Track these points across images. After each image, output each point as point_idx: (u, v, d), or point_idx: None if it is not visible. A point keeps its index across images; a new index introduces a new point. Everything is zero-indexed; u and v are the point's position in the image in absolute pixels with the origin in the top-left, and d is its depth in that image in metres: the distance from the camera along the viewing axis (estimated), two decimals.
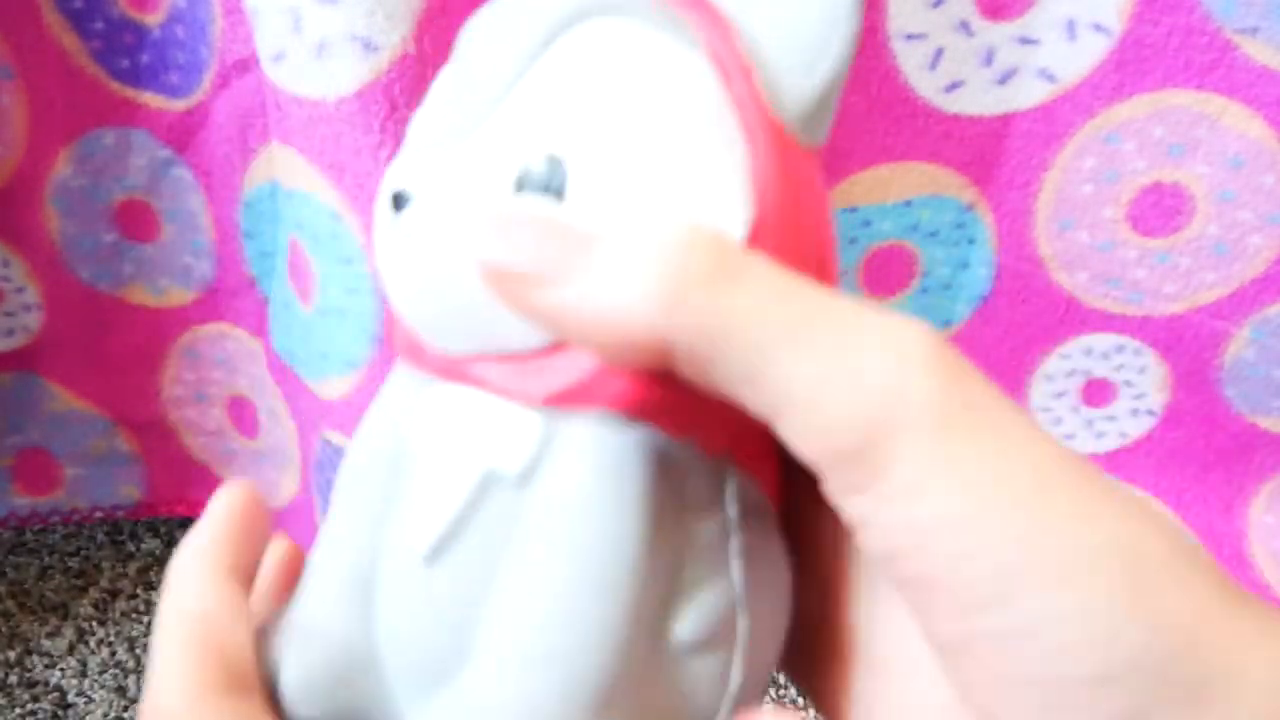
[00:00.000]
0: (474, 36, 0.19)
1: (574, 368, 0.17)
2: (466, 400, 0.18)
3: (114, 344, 0.49)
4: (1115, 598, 0.14)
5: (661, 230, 0.15)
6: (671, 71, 0.17)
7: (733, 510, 0.18)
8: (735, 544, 0.18)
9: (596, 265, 0.15)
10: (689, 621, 0.17)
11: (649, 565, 0.17)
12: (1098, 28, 0.41)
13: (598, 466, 0.17)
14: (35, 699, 0.45)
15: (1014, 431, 0.15)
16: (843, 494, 0.15)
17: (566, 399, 0.17)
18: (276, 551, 0.22)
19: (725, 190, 0.17)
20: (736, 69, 0.18)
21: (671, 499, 0.17)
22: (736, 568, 0.18)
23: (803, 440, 0.15)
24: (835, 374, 0.14)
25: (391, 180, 0.18)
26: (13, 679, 0.46)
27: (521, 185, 0.17)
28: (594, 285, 0.15)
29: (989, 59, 0.43)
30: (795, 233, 0.18)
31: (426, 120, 0.19)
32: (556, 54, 0.18)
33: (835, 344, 0.15)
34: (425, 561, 0.17)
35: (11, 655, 0.47)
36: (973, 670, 0.15)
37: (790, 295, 0.15)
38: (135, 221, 0.47)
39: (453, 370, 0.18)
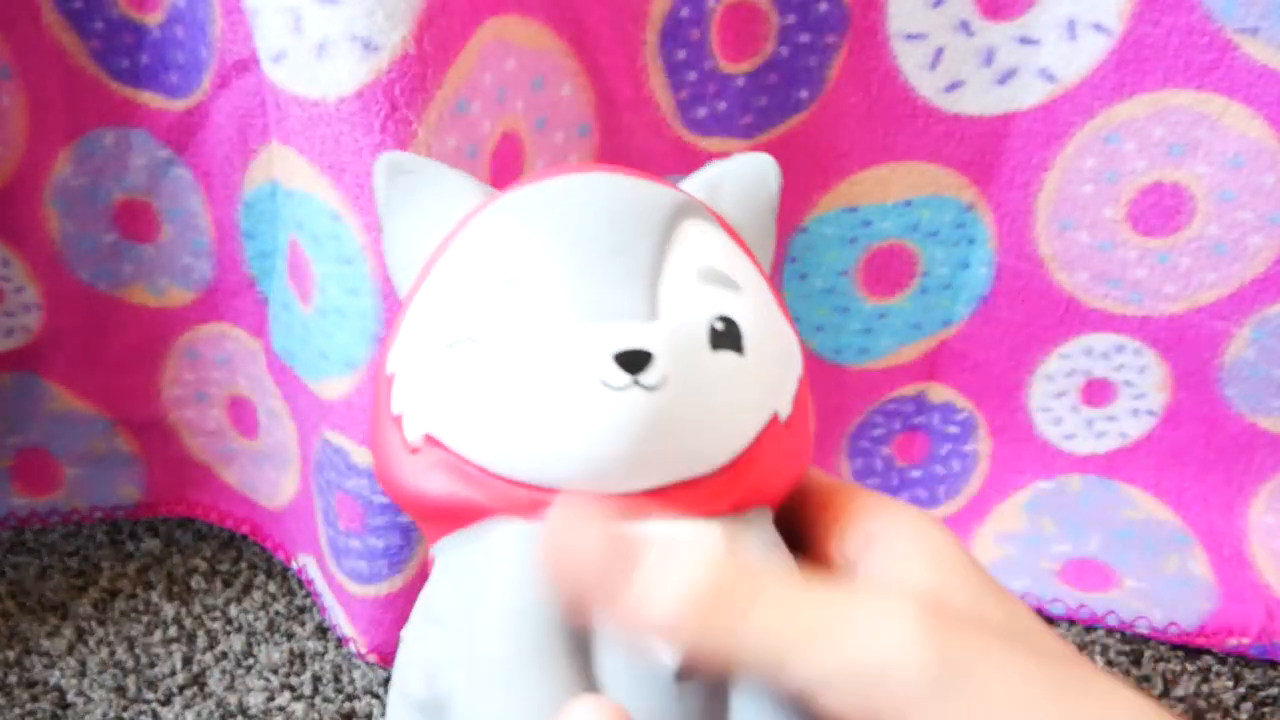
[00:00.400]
0: (583, 230, 0.22)
1: (745, 482, 0.21)
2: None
3: (114, 344, 0.49)
4: None
5: (687, 563, 0.19)
6: (744, 255, 0.23)
7: None
8: None
9: (638, 589, 0.19)
10: None
11: None
12: (1098, 28, 0.41)
13: (777, 548, 0.22)
14: (34, 698, 0.45)
15: (997, 672, 0.18)
16: None
17: (744, 505, 0.21)
18: None
19: (797, 347, 0.23)
20: (747, 250, 0.24)
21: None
22: None
23: (831, 710, 0.18)
24: (839, 667, 0.18)
25: (611, 343, 0.20)
26: (12, 679, 0.46)
27: (716, 344, 0.21)
28: (635, 604, 0.19)
29: (989, 59, 0.43)
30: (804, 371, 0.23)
31: (573, 290, 0.21)
32: (680, 240, 0.22)
33: (835, 642, 0.18)
34: (676, 677, 0.20)
35: (10, 655, 0.47)
36: None
37: (794, 606, 0.19)
38: (135, 221, 0.46)
39: (634, 508, 0.20)
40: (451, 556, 0.22)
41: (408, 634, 0.22)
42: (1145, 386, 0.49)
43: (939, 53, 0.43)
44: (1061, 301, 0.47)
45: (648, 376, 0.20)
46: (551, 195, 0.22)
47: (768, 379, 0.22)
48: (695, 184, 0.25)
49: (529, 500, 0.20)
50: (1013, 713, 0.17)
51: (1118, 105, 0.43)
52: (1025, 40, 0.42)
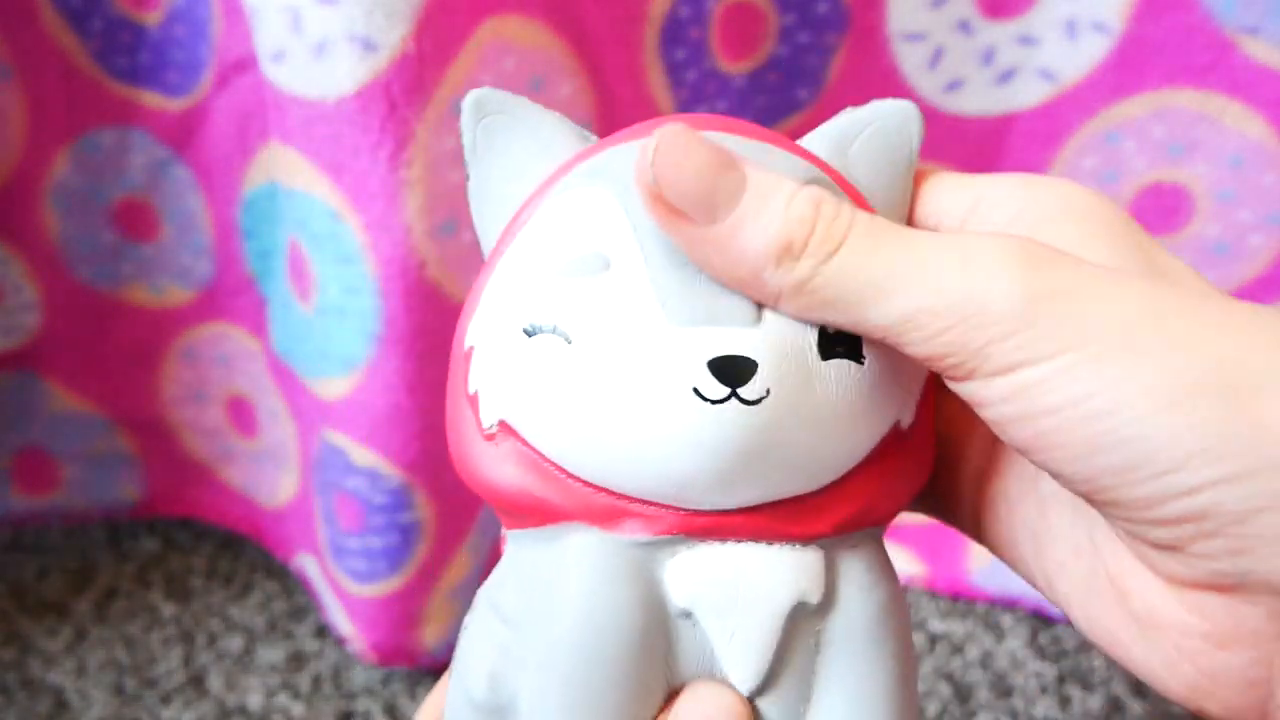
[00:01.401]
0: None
1: (852, 500, 0.20)
2: (736, 551, 0.19)
3: (113, 343, 0.49)
4: (1216, 415, 0.16)
5: (788, 195, 0.18)
6: None
7: None
8: None
9: (735, 215, 0.18)
10: None
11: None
12: (1098, 27, 0.41)
13: (883, 575, 0.20)
14: (33, 698, 0.45)
15: (1096, 296, 0.17)
16: (955, 385, 0.18)
17: (849, 526, 0.20)
18: None
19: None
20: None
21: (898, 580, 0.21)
22: None
23: (915, 354, 0.18)
24: (925, 302, 0.17)
25: (708, 350, 0.18)
26: (10, 678, 0.46)
27: (827, 352, 0.19)
28: (729, 233, 0.18)
29: (989, 58, 0.43)
30: None
31: (671, 275, 0.19)
32: None
33: (922, 277, 0.17)
34: (751, 696, 0.20)
35: (9, 655, 0.47)
36: (1104, 506, 0.17)
37: (881, 243, 0.18)
38: (134, 221, 0.46)
39: (722, 526, 0.19)
40: (523, 552, 0.21)
41: (472, 626, 0.21)
42: None
43: (939, 52, 0.43)
44: None
45: (749, 390, 0.18)
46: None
47: (891, 385, 0.20)
48: (821, 139, 0.22)
49: (608, 508, 0.19)
50: (1106, 335, 0.16)
51: (1117, 105, 0.42)
52: (1025, 40, 0.42)
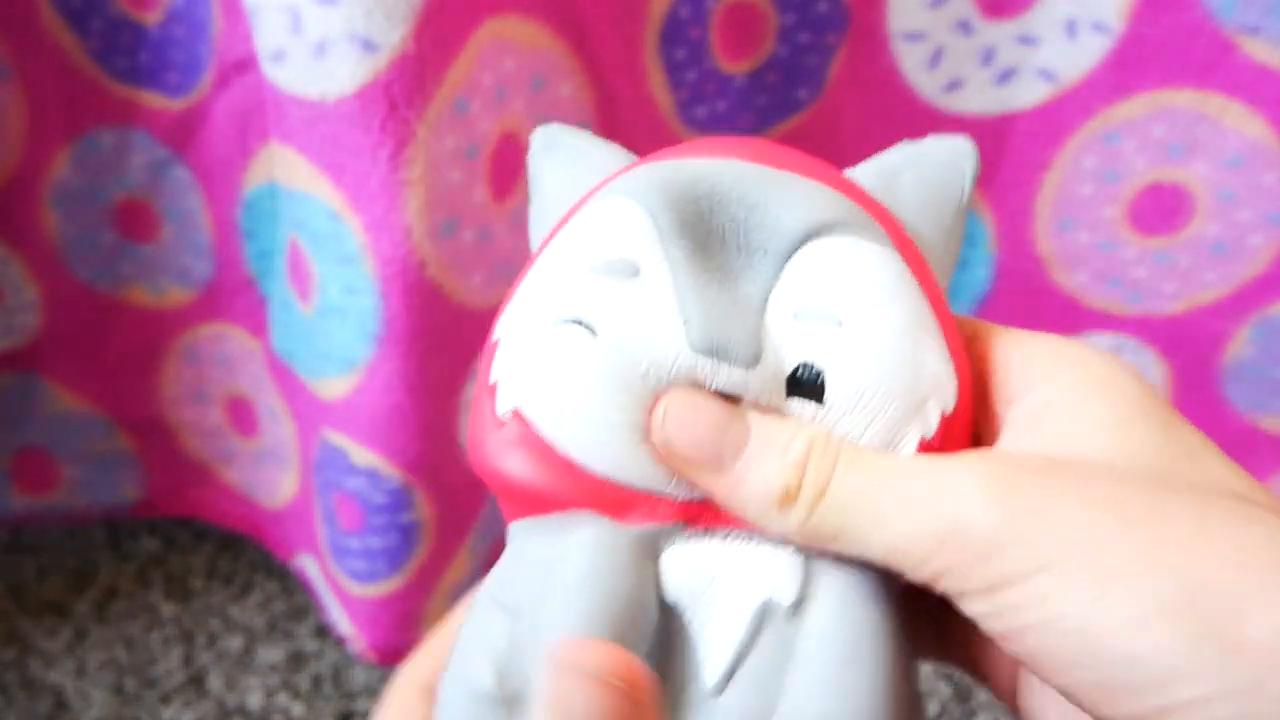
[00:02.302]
0: (706, 230, 0.21)
1: None
2: (722, 547, 0.20)
3: (113, 344, 0.49)
4: (1185, 638, 0.16)
5: (784, 443, 0.20)
6: (886, 273, 0.21)
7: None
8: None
9: (739, 467, 0.20)
10: None
11: (904, 675, 0.20)
12: (1098, 27, 0.41)
13: (860, 590, 0.20)
14: (33, 698, 0.45)
15: (1065, 517, 0.17)
16: (955, 603, 0.19)
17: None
18: None
19: (945, 369, 0.21)
20: (917, 261, 0.22)
21: (897, 617, 0.21)
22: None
23: (914, 578, 0.19)
24: (909, 534, 0.18)
25: (712, 383, 0.20)
26: (11, 678, 0.46)
27: (791, 390, 0.20)
28: (735, 481, 0.20)
29: (989, 58, 0.43)
30: (968, 385, 0.21)
31: (695, 295, 0.20)
32: (796, 267, 0.21)
33: (907, 511, 0.18)
34: (713, 692, 0.20)
35: (9, 654, 0.47)
36: (1098, 716, 0.18)
37: (866, 480, 0.19)
38: (134, 221, 0.46)
39: (716, 514, 0.20)
40: (528, 543, 0.21)
41: (471, 622, 0.21)
42: None
43: (938, 52, 0.43)
44: (1061, 301, 0.47)
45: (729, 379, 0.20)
46: (685, 188, 0.21)
47: (860, 427, 0.20)
48: (871, 170, 0.23)
49: (615, 497, 0.20)
50: (1075, 555, 0.17)
51: (1117, 105, 0.42)
52: (1025, 40, 0.42)
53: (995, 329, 0.22)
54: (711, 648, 0.20)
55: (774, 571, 0.20)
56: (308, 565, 0.49)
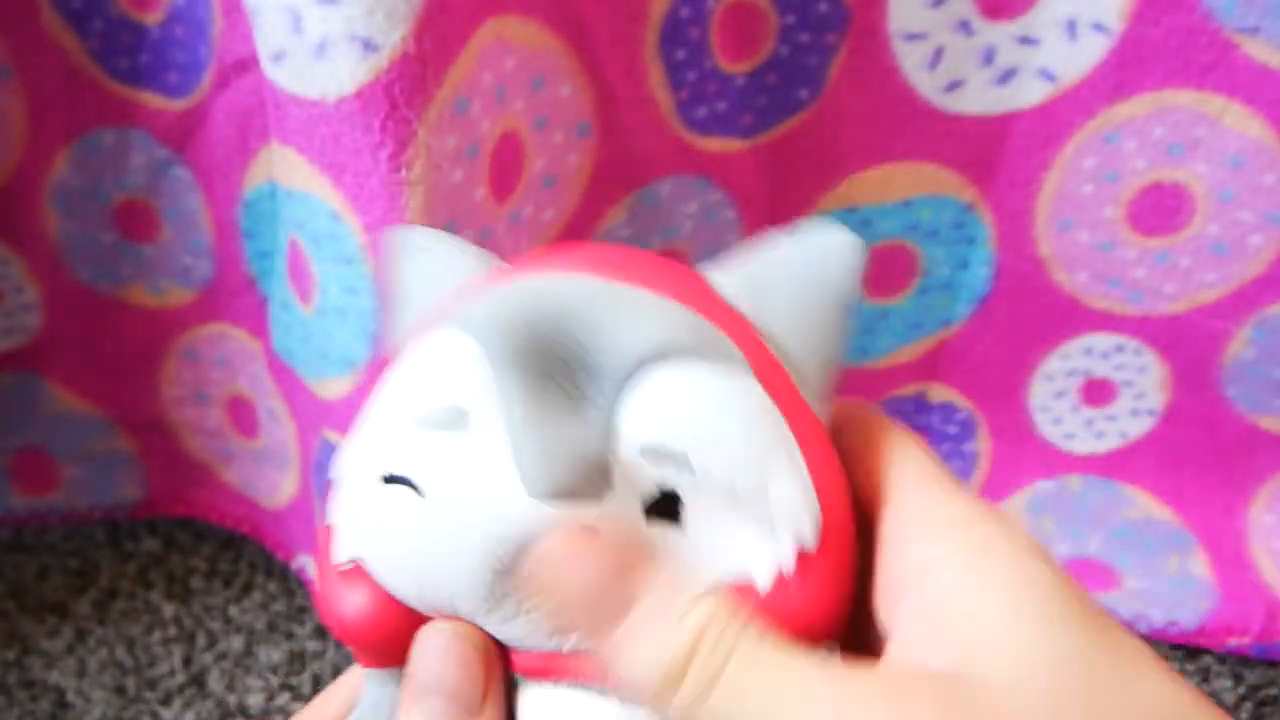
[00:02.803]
0: (531, 366, 0.20)
1: None
2: (568, 695, 0.20)
3: (113, 344, 0.49)
4: None
5: (681, 613, 0.18)
6: (731, 400, 0.20)
7: None
8: None
9: (626, 629, 0.18)
10: None
11: None
12: (1098, 27, 0.41)
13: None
14: (34, 698, 0.45)
15: None
16: None
17: None
18: None
19: (800, 498, 0.19)
20: (777, 378, 0.20)
21: None
22: None
23: None
24: None
25: (554, 525, 0.19)
26: (11, 678, 0.46)
27: (650, 514, 0.19)
28: (619, 645, 0.18)
29: (989, 59, 0.43)
30: (843, 510, 0.20)
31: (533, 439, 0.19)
32: (639, 395, 0.20)
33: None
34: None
35: (10, 655, 0.47)
36: None
37: (759, 683, 0.17)
38: (135, 221, 0.46)
39: (557, 667, 0.20)
40: (379, 692, 0.21)
41: None
42: (1145, 386, 0.49)
43: (939, 52, 0.43)
44: (1061, 301, 0.47)
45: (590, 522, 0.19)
46: (523, 315, 0.20)
47: (719, 547, 0.19)
48: (736, 277, 0.22)
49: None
50: None
51: (1118, 105, 0.42)
52: (1025, 40, 0.42)
53: (892, 464, 0.20)
54: None
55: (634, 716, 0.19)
56: (308, 565, 0.49)
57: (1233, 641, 0.47)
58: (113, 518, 0.53)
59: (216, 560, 0.52)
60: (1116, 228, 0.45)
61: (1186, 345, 0.47)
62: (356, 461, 0.20)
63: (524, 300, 0.20)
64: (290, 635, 0.48)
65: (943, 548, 0.19)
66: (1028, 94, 0.43)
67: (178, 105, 0.44)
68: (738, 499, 0.19)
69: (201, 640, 0.48)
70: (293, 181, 0.37)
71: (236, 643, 0.48)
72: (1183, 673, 0.47)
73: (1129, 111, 0.43)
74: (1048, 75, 0.43)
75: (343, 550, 0.20)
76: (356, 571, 0.20)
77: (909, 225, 0.47)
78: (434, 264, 0.23)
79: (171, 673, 0.46)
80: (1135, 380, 0.49)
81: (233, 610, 0.49)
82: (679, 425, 0.19)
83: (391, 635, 0.20)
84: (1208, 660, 0.47)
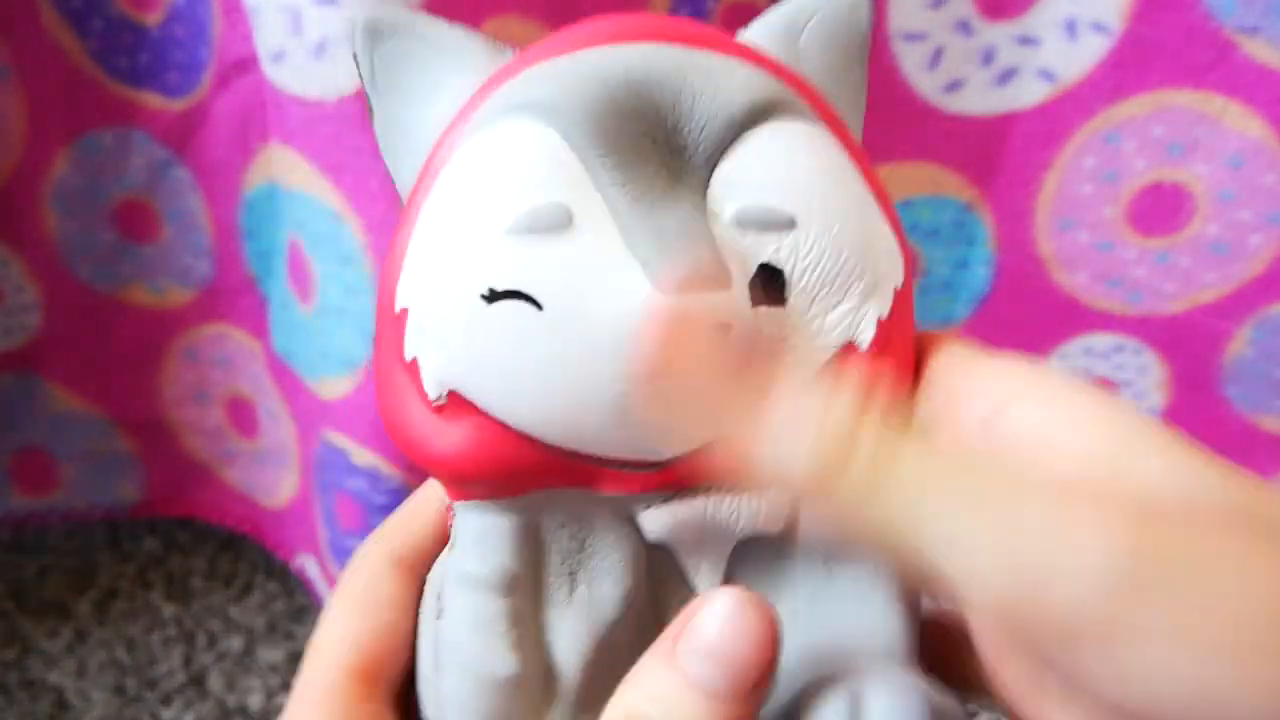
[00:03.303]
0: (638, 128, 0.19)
1: None
2: (704, 500, 0.19)
3: (113, 344, 0.49)
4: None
5: (817, 419, 0.16)
6: (825, 157, 0.19)
7: None
8: None
9: (770, 434, 0.16)
10: None
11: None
12: (1098, 27, 0.41)
13: None
14: (34, 698, 0.45)
15: (1217, 583, 0.14)
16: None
17: None
18: None
19: (894, 250, 0.19)
20: (843, 132, 0.20)
21: None
22: None
23: (961, 596, 0.15)
24: (998, 571, 0.15)
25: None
26: (11, 678, 0.46)
27: (755, 299, 0.18)
28: (767, 450, 0.16)
29: (989, 59, 0.43)
30: (910, 254, 0.20)
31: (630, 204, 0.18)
32: (734, 163, 0.19)
33: (1004, 537, 0.15)
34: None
35: (10, 655, 0.47)
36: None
37: (963, 474, 0.16)
38: (134, 221, 0.46)
39: (696, 471, 0.19)
40: (493, 519, 0.19)
41: (458, 604, 0.20)
42: (1145, 386, 0.49)
43: (938, 52, 0.43)
44: (1061, 301, 0.47)
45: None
46: (598, 94, 0.18)
47: (820, 318, 0.19)
48: (767, 30, 0.21)
49: (586, 471, 0.19)
50: (1234, 613, 0.14)
51: (1117, 105, 0.42)
52: (1025, 40, 0.42)
53: (949, 343, 0.20)
54: (710, 575, 0.20)
55: (760, 511, 0.19)
56: (308, 565, 0.49)
57: None
58: (113, 518, 0.53)
59: (216, 560, 0.52)
60: (1116, 228, 0.45)
61: (1186, 345, 0.47)
62: (444, 279, 0.18)
63: (596, 77, 0.18)
64: (290, 635, 0.48)
65: (1015, 387, 0.18)
66: (1027, 94, 0.43)
67: (177, 105, 0.44)
68: (842, 260, 0.18)
69: (201, 640, 0.48)
70: (292, 181, 0.37)
71: (236, 643, 0.48)
72: None
73: (1129, 111, 0.43)
74: (1047, 75, 0.43)
75: (434, 381, 0.18)
76: (455, 404, 0.18)
77: (909, 225, 0.47)
78: (429, 59, 0.20)
79: (171, 673, 0.46)
80: (1135, 380, 0.49)
81: (232, 610, 0.49)
82: (783, 187, 0.18)
83: (507, 467, 0.19)
84: None
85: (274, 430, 0.48)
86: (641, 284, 0.17)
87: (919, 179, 0.46)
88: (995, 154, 0.45)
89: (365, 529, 0.42)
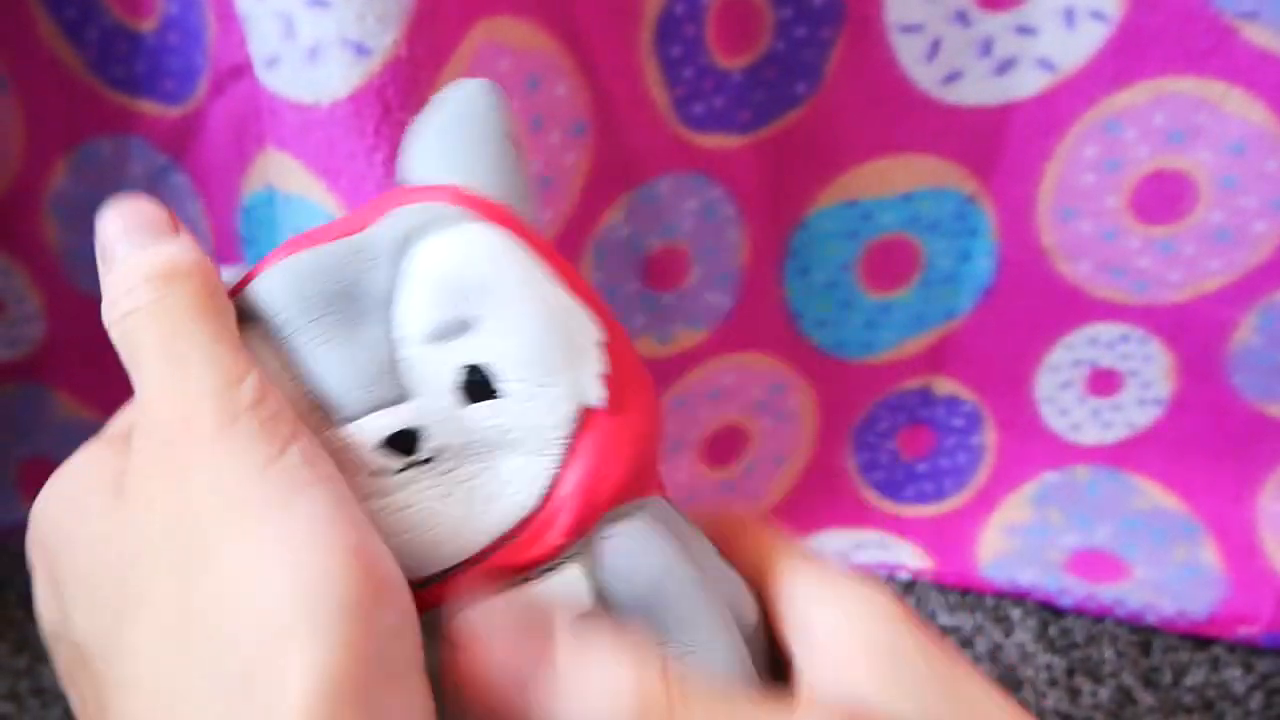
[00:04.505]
0: (308, 291, 0.21)
1: (569, 499, 0.20)
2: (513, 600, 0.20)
3: (117, 353, 0.49)
4: None
5: (608, 676, 0.18)
6: (499, 248, 0.21)
7: None
8: None
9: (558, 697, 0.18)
10: None
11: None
12: (1096, 15, 0.41)
13: (643, 549, 0.20)
14: (44, 706, 0.45)
15: None
16: None
17: (583, 525, 0.20)
18: None
19: (584, 316, 0.21)
20: (507, 219, 0.21)
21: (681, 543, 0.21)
22: None
23: None
24: None
25: (373, 434, 0.20)
26: (22, 686, 0.46)
27: (464, 398, 0.20)
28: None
29: (987, 49, 0.43)
30: (616, 326, 0.22)
31: (332, 368, 0.20)
32: (410, 286, 0.21)
33: None
34: None
35: (21, 663, 0.47)
36: None
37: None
38: None
39: (475, 582, 0.20)
40: None
41: None
42: (1151, 375, 0.49)
43: (936, 44, 0.43)
44: (1065, 291, 0.47)
45: (421, 452, 0.20)
46: (275, 286, 0.21)
47: (548, 394, 0.20)
48: (427, 150, 0.23)
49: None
50: None
51: (1117, 93, 0.42)
52: (1023, 29, 0.42)
53: (780, 551, 0.23)
54: None
55: (564, 591, 0.20)
56: None
57: (1243, 630, 0.47)
58: None
59: None
60: (1119, 217, 0.45)
61: (1192, 334, 0.47)
62: None
63: (276, 271, 0.22)
64: None
65: (817, 600, 0.22)
66: (1027, 84, 0.43)
67: (175, 112, 0.44)
68: (537, 337, 0.20)
69: None
70: (289, 186, 0.37)
71: None
72: (1192, 662, 0.46)
73: (1129, 99, 0.42)
74: (1047, 64, 0.42)
75: None
76: None
77: (910, 218, 0.47)
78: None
79: None
80: (1141, 370, 0.48)
81: None
82: (452, 293, 0.20)
83: None
84: (1217, 650, 0.47)
85: None
86: (324, 423, 0.20)
87: (919, 171, 0.45)
88: (995, 145, 0.45)
89: None
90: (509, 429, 0.20)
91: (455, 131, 0.23)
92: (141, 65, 0.43)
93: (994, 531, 0.52)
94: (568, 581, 0.20)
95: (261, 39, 0.34)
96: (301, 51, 0.33)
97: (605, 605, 0.20)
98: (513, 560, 0.20)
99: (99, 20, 0.42)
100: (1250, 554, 0.48)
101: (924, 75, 0.43)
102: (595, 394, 0.20)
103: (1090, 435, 0.51)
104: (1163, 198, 0.44)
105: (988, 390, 0.51)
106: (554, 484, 0.20)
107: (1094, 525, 0.51)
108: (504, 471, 0.20)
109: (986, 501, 0.52)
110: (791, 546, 0.23)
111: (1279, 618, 0.46)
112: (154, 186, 0.45)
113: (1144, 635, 0.48)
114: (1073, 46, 0.42)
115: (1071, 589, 0.49)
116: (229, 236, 0.45)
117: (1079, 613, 0.49)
